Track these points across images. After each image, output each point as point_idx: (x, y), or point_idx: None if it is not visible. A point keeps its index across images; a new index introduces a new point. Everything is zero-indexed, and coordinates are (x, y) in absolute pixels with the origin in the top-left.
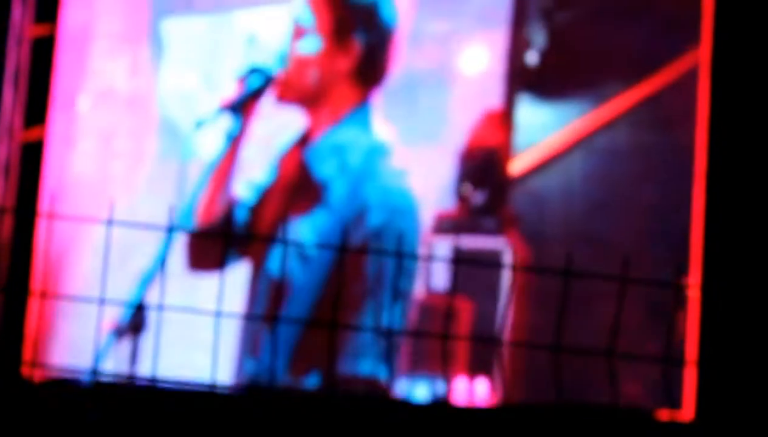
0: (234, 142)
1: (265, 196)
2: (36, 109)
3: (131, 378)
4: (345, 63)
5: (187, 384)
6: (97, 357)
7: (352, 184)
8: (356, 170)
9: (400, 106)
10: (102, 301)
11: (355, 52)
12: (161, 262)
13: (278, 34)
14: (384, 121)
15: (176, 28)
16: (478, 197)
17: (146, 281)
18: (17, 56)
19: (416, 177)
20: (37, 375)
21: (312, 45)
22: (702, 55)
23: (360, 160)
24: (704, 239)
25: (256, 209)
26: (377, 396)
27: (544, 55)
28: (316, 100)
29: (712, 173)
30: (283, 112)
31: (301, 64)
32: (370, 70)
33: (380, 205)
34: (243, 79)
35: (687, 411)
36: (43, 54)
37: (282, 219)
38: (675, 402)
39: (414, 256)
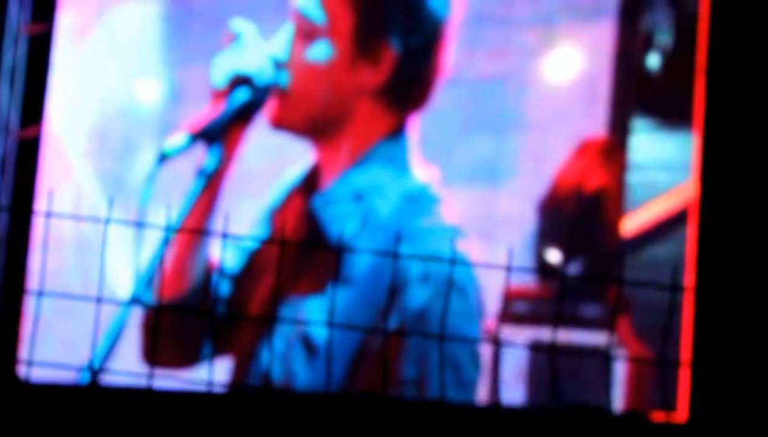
0: (211, 182)
1: (255, 262)
2: (32, 107)
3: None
4: (372, 77)
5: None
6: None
7: (382, 246)
8: (387, 227)
9: (449, 134)
10: (99, 300)
11: (388, 62)
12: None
13: (276, 30)
14: (425, 156)
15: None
16: (571, 268)
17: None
18: (13, 54)
19: (475, 237)
20: (33, 374)
21: (324, 51)
22: (699, 58)
23: (392, 212)
24: (698, 244)
25: (243, 281)
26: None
27: (671, 58)
28: (329, 127)
29: (706, 177)
30: (282, 141)
31: (309, 76)
32: (408, 87)
33: (423, 277)
34: (224, 93)
35: (681, 413)
36: (39, 52)
37: (279, 295)
38: (670, 404)
39: (474, 361)
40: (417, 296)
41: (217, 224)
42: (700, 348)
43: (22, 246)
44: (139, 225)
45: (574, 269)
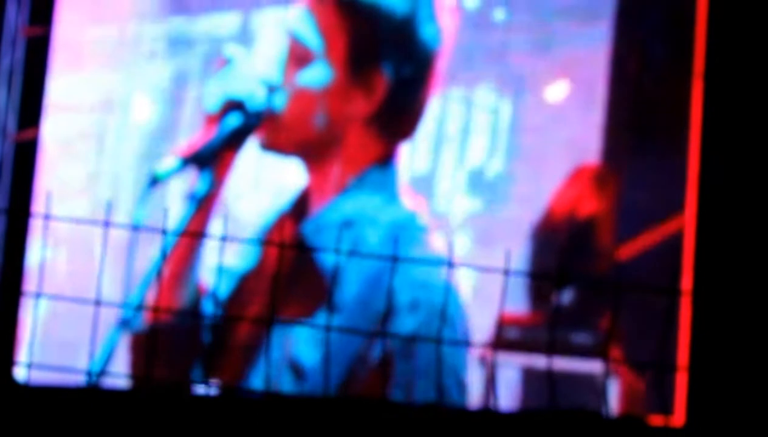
0: (201, 206)
1: (244, 286)
2: (29, 109)
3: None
4: (364, 104)
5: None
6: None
7: (371, 273)
8: (376, 253)
9: (445, 138)
10: (98, 303)
11: (380, 90)
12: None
13: (270, 53)
14: (414, 184)
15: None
16: (563, 296)
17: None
18: (11, 57)
19: (473, 241)
20: (31, 377)
21: (319, 76)
22: (696, 62)
23: (381, 239)
24: (696, 247)
25: (232, 304)
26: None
27: (668, 86)
28: (320, 153)
29: (704, 182)
30: (272, 166)
31: (302, 101)
32: (399, 116)
33: (412, 304)
34: (216, 117)
35: (678, 417)
36: (36, 55)
37: (268, 320)
38: (667, 408)
39: (460, 390)
40: (405, 324)
41: (209, 248)
42: (697, 352)
43: (19, 248)
44: (136, 228)
45: (567, 297)
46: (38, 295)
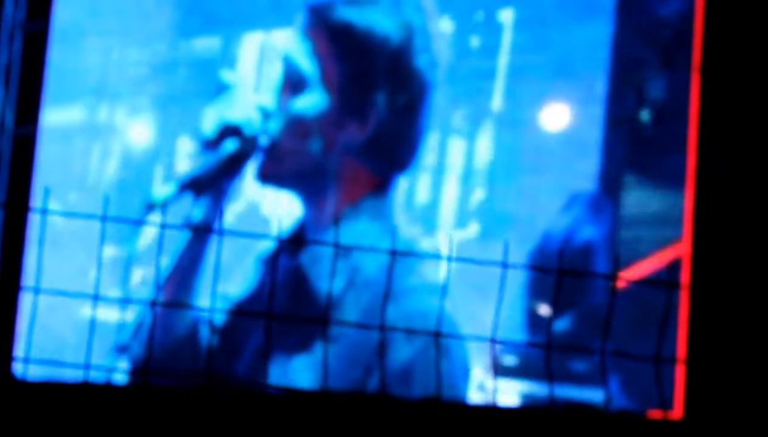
0: (198, 233)
1: (241, 316)
2: (28, 104)
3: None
4: (357, 133)
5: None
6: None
7: (368, 304)
8: (373, 284)
9: (444, 136)
10: (96, 297)
11: (374, 120)
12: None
13: (264, 78)
14: (410, 212)
15: None
16: (560, 323)
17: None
18: (9, 51)
19: (461, 293)
20: (29, 372)
21: (313, 103)
22: (695, 52)
23: (377, 269)
24: (694, 237)
25: (228, 333)
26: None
27: (662, 114)
28: (315, 181)
29: (701, 172)
30: (269, 194)
31: (295, 128)
32: (393, 145)
33: (409, 336)
34: (212, 143)
35: (676, 411)
36: (35, 49)
37: (266, 353)
38: (666, 402)
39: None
40: (400, 354)
41: (206, 276)
42: (696, 345)
43: (17, 243)
44: (137, 223)
45: (562, 325)
46: (36, 290)
